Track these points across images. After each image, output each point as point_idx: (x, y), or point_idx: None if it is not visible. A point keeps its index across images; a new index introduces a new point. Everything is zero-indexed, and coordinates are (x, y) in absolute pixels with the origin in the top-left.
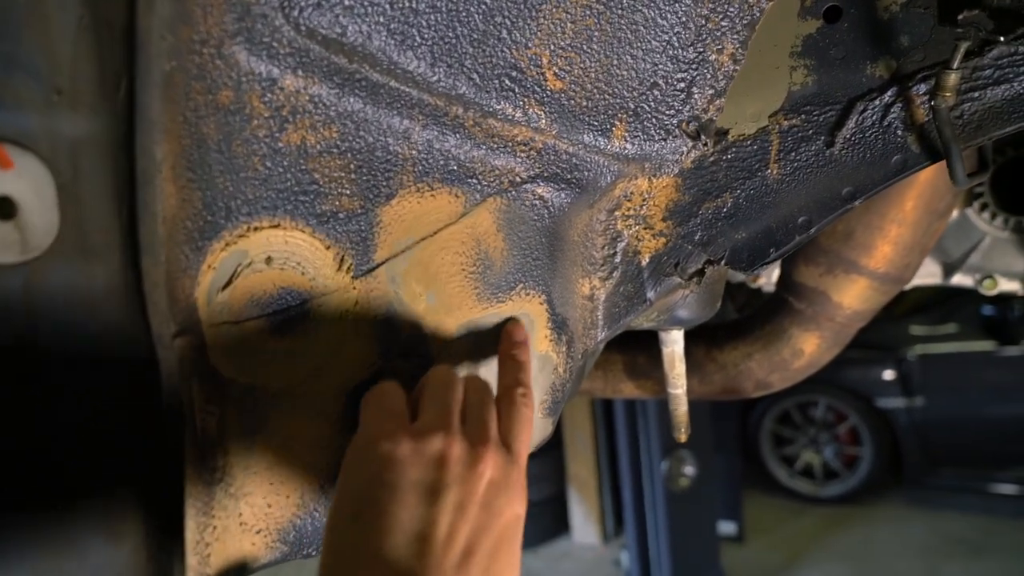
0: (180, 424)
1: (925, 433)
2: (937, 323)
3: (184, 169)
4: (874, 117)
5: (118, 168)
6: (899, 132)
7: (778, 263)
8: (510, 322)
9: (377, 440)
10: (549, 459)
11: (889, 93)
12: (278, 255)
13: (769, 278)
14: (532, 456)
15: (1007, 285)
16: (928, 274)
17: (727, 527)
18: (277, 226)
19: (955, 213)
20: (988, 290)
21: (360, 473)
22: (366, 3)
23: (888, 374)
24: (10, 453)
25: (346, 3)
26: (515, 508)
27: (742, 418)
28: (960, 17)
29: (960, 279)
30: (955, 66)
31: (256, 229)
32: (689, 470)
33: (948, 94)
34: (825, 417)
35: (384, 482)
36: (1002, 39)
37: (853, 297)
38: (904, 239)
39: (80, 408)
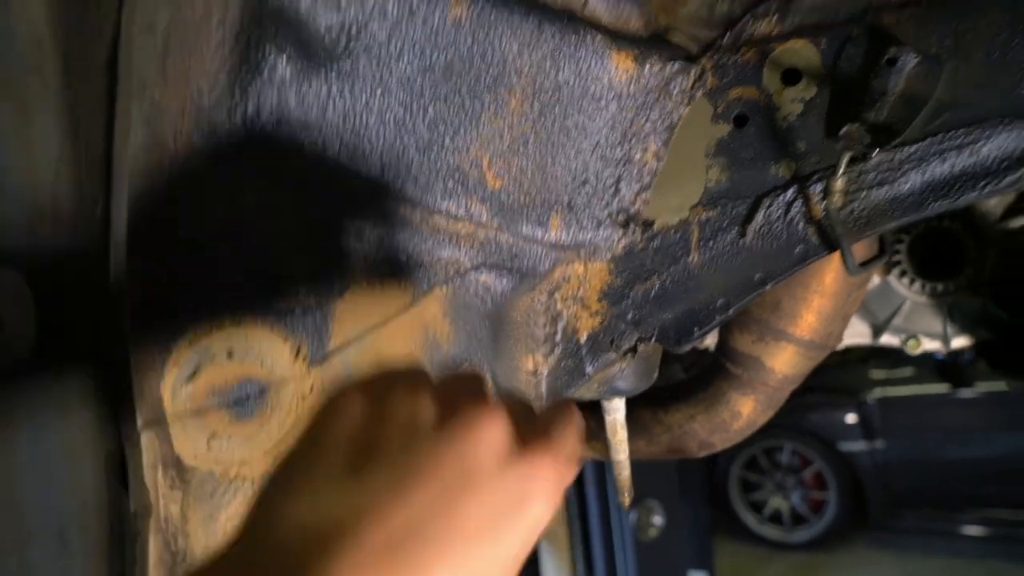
0: (147, 511)
1: (887, 476)
2: (895, 366)
3: (156, 276)
4: (779, 212)
5: (92, 281)
6: (800, 226)
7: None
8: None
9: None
10: None
11: (791, 191)
12: (239, 349)
13: (714, 338)
14: None
15: (930, 345)
16: (857, 334)
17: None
18: (238, 323)
19: (877, 279)
20: (912, 350)
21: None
22: (321, 120)
23: (850, 417)
24: None
25: (304, 120)
26: None
27: (709, 464)
28: (841, 132)
29: (887, 339)
30: (840, 173)
31: (219, 327)
32: (658, 520)
33: (836, 196)
34: (791, 462)
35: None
36: (875, 153)
37: (783, 363)
38: (826, 309)
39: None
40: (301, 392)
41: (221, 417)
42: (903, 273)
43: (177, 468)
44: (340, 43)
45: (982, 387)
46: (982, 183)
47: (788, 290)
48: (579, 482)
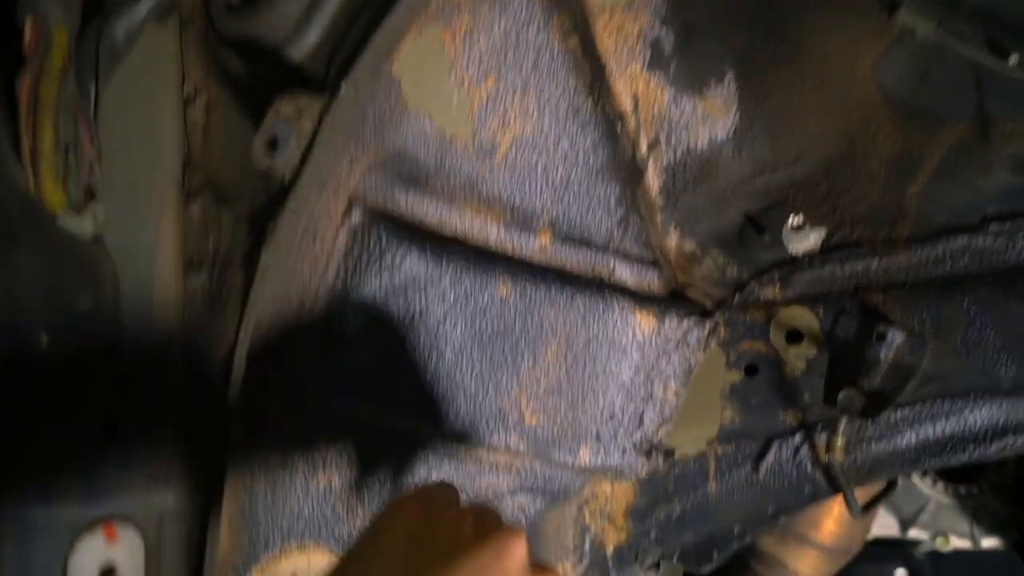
0: None
1: None
2: None
3: (238, 519)
4: (788, 454)
5: (191, 529)
6: (808, 468)
7: None
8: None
9: None
10: None
11: (798, 437)
12: (302, 572)
13: None
14: None
15: (959, 543)
16: (886, 527)
17: None
18: (303, 548)
19: (902, 480)
20: (942, 547)
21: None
22: (388, 377)
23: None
24: None
25: (373, 376)
26: None
27: None
28: (839, 397)
29: (916, 533)
30: (840, 432)
31: (286, 555)
32: None
33: (837, 452)
34: None
35: None
36: (870, 420)
37: (806, 566)
38: (846, 516)
39: None
40: None
41: None
42: (926, 474)
43: None
44: (405, 322)
45: None
46: (970, 447)
47: None
48: None
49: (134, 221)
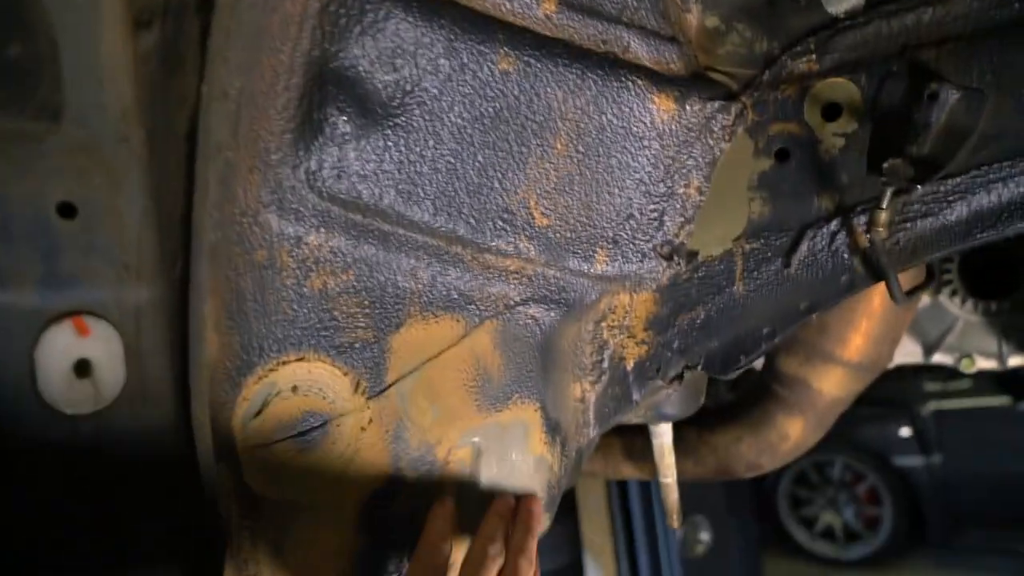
0: (222, 537)
1: (946, 492)
2: (950, 379)
3: (225, 320)
4: (823, 243)
5: (172, 328)
6: (845, 256)
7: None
8: (530, 497)
9: None
10: (563, 527)
11: (834, 223)
12: (303, 384)
13: (761, 361)
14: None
15: (984, 363)
16: (909, 353)
17: None
18: (302, 359)
19: (928, 299)
20: (967, 369)
21: None
22: (378, 171)
23: (904, 431)
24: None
25: (362, 172)
26: None
27: (757, 479)
28: (885, 166)
29: (940, 358)
30: (884, 206)
31: (284, 363)
32: (705, 536)
33: (881, 228)
34: (843, 477)
35: None
36: (918, 187)
37: (831, 385)
38: (875, 331)
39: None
40: (360, 424)
41: (287, 449)
42: (954, 292)
43: (247, 497)
44: (395, 100)
45: None
46: None
47: (836, 313)
48: (624, 497)
49: None
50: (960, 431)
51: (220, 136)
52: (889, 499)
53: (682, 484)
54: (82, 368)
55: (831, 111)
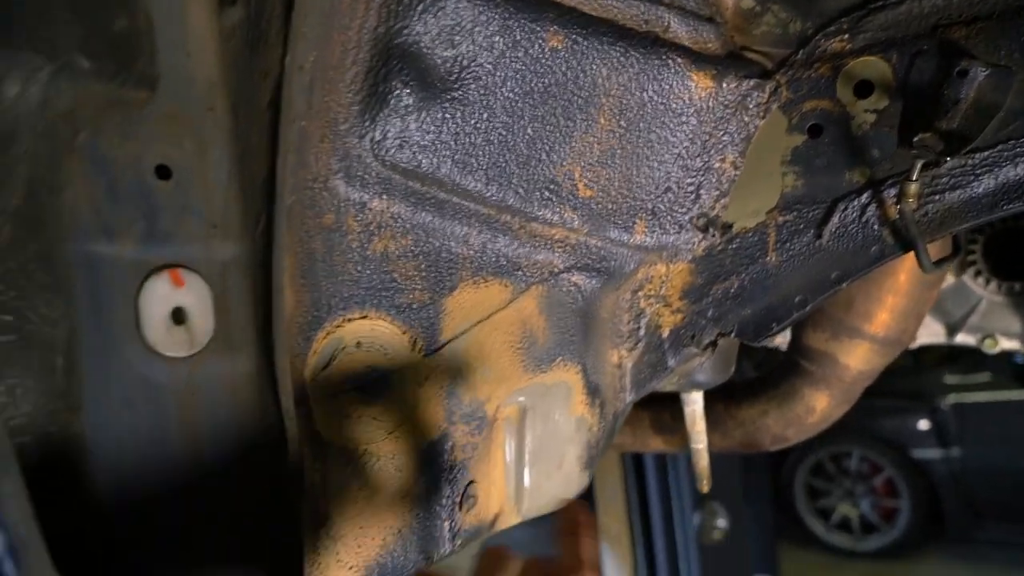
0: (300, 478)
1: (965, 485)
2: (970, 372)
3: (299, 278)
4: (854, 215)
5: (255, 282)
6: (875, 227)
7: (787, 330)
8: (577, 506)
9: None
10: None
11: (865, 195)
12: (366, 340)
13: (785, 338)
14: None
15: (1007, 344)
16: (932, 334)
17: None
18: (365, 317)
19: (952, 279)
20: (990, 349)
21: None
22: (437, 142)
23: (923, 424)
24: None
25: (421, 143)
26: None
27: (774, 470)
28: (915, 139)
29: (963, 338)
30: (914, 178)
31: (349, 320)
32: (722, 523)
33: (911, 199)
34: (860, 468)
35: None
36: (948, 159)
37: (857, 359)
38: (900, 307)
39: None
40: (417, 379)
41: (352, 400)
42: (978, 273)
43: (317, 442)
44: (453, 74)
45: None
46: None
47: (862, 289)
48: (641, 483)
49: None
50: (979, 424)
51: (296, 106)
52: (907, 491)
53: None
54: (178, 316)
55: (863, 88)
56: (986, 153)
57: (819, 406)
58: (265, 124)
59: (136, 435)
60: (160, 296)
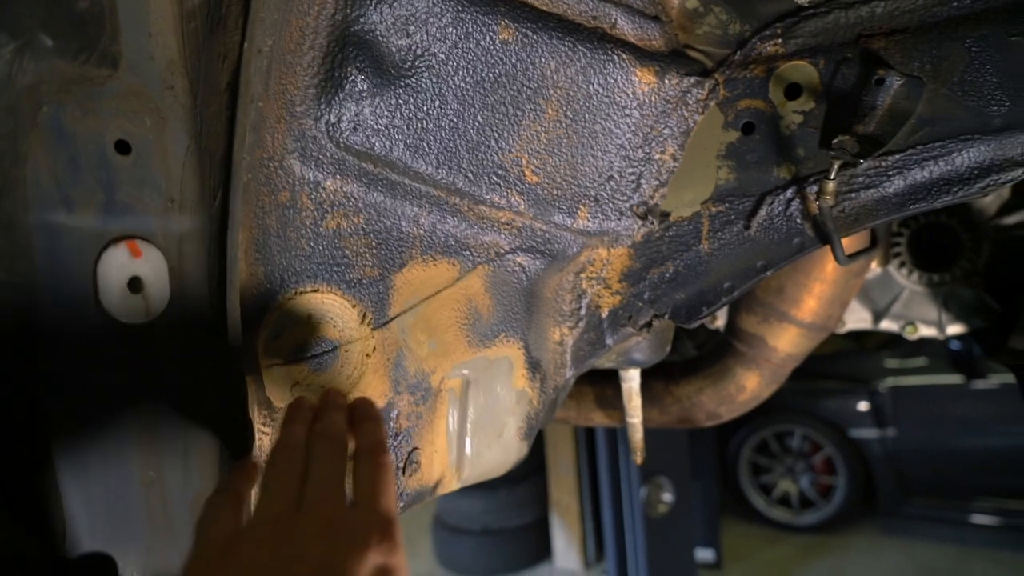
0: (250, 434)
1: (898, 463)
2: (908, 356)
3: (253, 252)
4: (779, 208)
5: (209, 255)
6: (798, 220)
7: (725, 312)
8: (359, 399)
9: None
10: (532, 485)
11: (790, 191)
12: (316, 312)
13: (725, 321)
14: (516, 482)
15: (926, 331)
16: (859, 320)
17: (705, 554)
18: (317, 291)
19: (878, 269)
20: (910, 335)
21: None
22: (390, 126)
23: (862, 405)
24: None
25: (375, 127)
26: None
27: (721, 446)
28: (834, 142)
29: (887, 324)
30: (832, 177)
31: (301, 293)
32: (667, 497)
33: (829, 196)
34: (801, 447)
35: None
36: (862, 161)
37: (786, 342)
38: (826, 294)
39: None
40: (365, 351)
41: (302, 369)
42: (902, 264)
43: (268, 408)
44: (407, 62)
45: (996, 379)
46: (955, 188)
47: (791, 277)
48: (592, 457)
49: None
50: (915, 406)
51: (254, 88)
52: (844, 469)
53: (649, 445)
54: (134, 285)
55: (792, 90)
56: (897, 156)
57: (749, 385)
58: (223, 105)
59: (89, 391)
60: (118, 265)
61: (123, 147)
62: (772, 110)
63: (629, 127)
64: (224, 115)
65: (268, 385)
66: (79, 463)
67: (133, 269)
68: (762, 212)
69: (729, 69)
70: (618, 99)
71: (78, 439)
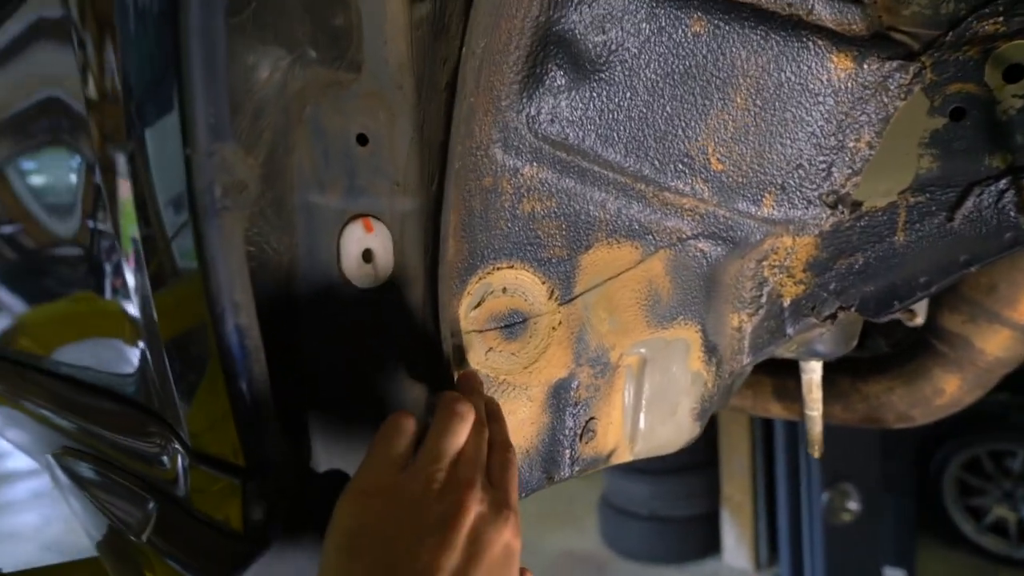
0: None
1: None
2: None
3: (459, 230)
4: (990, 199)
5: (426, 232)
6: (1011, 214)
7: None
8: (490, 400)
9: (371, 490)
10: (702, 477)
11: (1004, 181)
12: (511, 286)
13: (924, 319)
14: (685, 471)
15: None
16: None
17: (894, 573)
18: (512, 267)
19: None
20: None
21: (354, 515)
22: (583, 118)
23: None
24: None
25: (570, 118)
26: (504, 539)
27: (922, 460)
28: None
29: None
30: None
31: (498, 269)
32: (853, 505)
33: None
34: None
35: (372, 527)
36: None
37: (996, 346)
38: None
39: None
40: (551, 324)
41: (496, 336)
42: None
43: (466, 367)
44: (602, 57)
45: None
46: None
47: (1007, 275)
48: (769, 455)
49: None
50: None
51: (468, 84)
52: None
53: (835, 448)
54: (367, 256)
55: (1012, 73)
56: None
57: (949, 388)
58: (442, 102)
59: (334, 337)
60: (355, 239)
61: (362, 139)
62: (987, 94)
63: (822, 115)
64: (443, 111)
65: (467, 347)
66: (325, 404)
67: (367, 242)
68: (968, 203)
69: (938, 51)
70: (811, 86)
71: (325, 383)
